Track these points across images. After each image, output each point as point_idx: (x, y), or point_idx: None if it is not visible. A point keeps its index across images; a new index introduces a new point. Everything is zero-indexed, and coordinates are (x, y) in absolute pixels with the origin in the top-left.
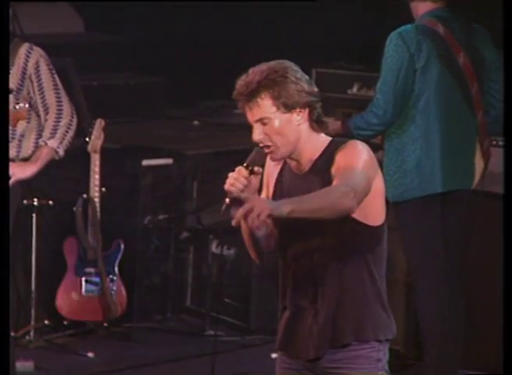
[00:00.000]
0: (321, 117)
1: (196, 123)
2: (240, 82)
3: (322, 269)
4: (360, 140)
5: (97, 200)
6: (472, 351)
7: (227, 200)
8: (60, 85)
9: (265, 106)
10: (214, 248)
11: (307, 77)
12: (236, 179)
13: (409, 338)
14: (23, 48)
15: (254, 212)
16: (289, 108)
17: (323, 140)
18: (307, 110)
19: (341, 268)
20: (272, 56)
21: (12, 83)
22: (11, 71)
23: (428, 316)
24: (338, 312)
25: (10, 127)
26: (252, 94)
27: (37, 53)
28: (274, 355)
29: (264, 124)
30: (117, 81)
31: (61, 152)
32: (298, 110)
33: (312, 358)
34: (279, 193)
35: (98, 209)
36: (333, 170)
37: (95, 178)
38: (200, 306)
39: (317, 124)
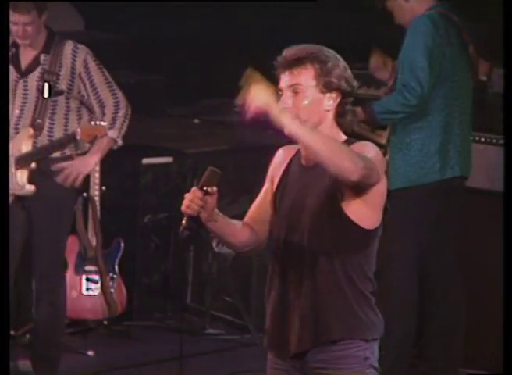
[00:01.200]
0: (348, 112)
1: (196, 121)
2: (289, 49)
3: (310, 264)
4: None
5: (97, 198)
6: (472, 351)
7: (184, 221)
8: (110, 78)
9: (307, 76)
10: (214, 246)
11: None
12: (191, 201)
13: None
14: (68, 47)
15: (257, 97)
16: (327, 88)
17: (339, 138)
18: (339, 99)
19: (329, 265)
20: (273, 55)
21: (63, 83)
22: (60, 72)
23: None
24: (321, 308)
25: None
26: (299, 61)
27: (84, 51)
28: None
29: (295, 94)
30: (117, 79)
31: (119, 142)
32: (333, 95)
33: (295, 353)
34: (284, 184)
35: (98, 208)
36: None
37: (95, 177)
38: (200, 304)
39: (341, 118)
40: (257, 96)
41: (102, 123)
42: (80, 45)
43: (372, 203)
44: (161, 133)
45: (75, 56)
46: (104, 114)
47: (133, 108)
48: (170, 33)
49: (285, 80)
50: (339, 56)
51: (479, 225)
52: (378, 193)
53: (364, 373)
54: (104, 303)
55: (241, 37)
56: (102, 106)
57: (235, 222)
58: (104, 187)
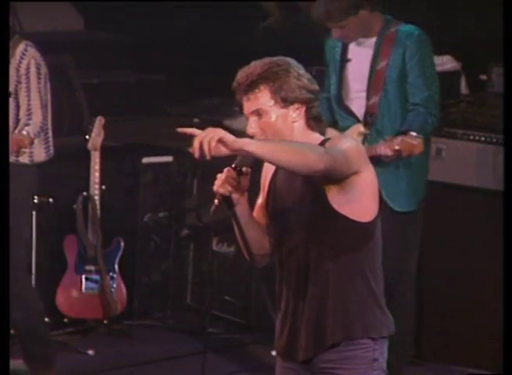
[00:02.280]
0: (319, 116)
1: (196, 120)
2: (241, 73)
3: (313, 268)
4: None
5: (97, 198)
6: (472, 350)
7: (216, 201)
8: (43, 92)
9: (263, 98)
10: (214, 245)
11: (308, 75)
12: (225, 180)
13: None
14: (19, 49)
15: (207, 136)
16: (287, 103)
17: (317, 139)
18: (304, 107)
19: (329, 265)
20: (272, 55)
21: (11, 86)
22: (10, 73)
23: None
24: (325, 312)
25: None
26: (251, 85)
27: (30, 55)
28: (274, 353)
29: (259, 117)
30: (117, 79)
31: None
32: (295, 107)
33: (302, 360)
34: (273, 191)
35: (98, 207)
36: None
37: (95, 176)
38: (200, 304)
39: (314, 122)
40: (206, 136)
41: (24, 133)
42: (29, 48)
43: (360, 194)
44: (160, 133)
45: (22, 59)
46: (28, 124)
47: (132, 107)
48: (170, 33)
49: (245, 107)
50: (291, 65)
51: (479, 224)
52: (364, 183)
53: None
54: (105, 302)
55: (241, 36)
56: (30, 114)
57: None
58: (104, 187)
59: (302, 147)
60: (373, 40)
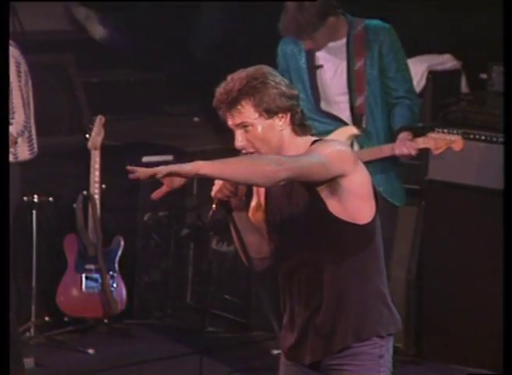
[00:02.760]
0: (303, 121)
1: (196, 119)
2: (220, 90)
3: (315, 274)
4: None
5: (97, 196)
6: (472, 349)
7: (214, 206)
8: (24, 90)
9: (247, 112)
10: (214, 244)
11: (286, 81)
12: (223, 185)
13: (409, 335)
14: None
15: (158, 173)
16: (271, 113)
17: (306, 142)
18: (288, 115)
19: (334, 270)
20: (272, 53)
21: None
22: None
23: None
24: (334, 317)
25: None
26: (233, 102)
27: (10, 53)
28: (275, 352)
29: (246, 131)
30: (117, 78)
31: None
32: (280, 115)
33: (309, 363)
34: (270, 202)
35: (98, 206)
36: None
37: (95, 175)
38: (200, 303)
39: (299, 128)
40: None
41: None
42: (11, 48)
43: (350, 196)
44: (160, 132)
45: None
46: (11, 124)
47: (133, 106)
48: (170, 31)
49: (231, 122)
50: (267, 74)
51: (479, 223)
52: (352, 184)
53: (378, 371)
54: (105, 301)
55: (242, 36)
56: (12, 113)
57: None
58: (104, 186)
59: (256, 160)
60: (341, 42)
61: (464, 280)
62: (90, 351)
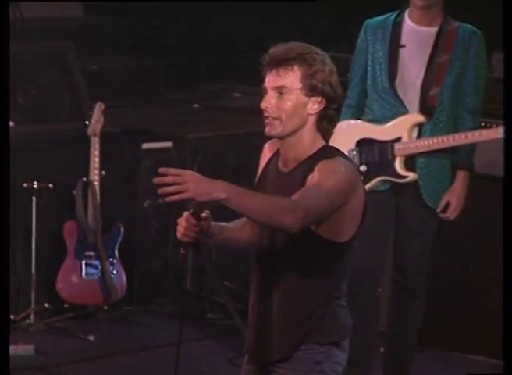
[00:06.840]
0: (332, 120)
1: (196, 106)
2: (278, 47)
3: (280, 275)
4: None
5: (96, 183)
6: (472, 336)
7: (182, 250)
8: None
9: (293, 78)
10: None
11: (337, 78)
12: (187, 228)
13: None
14: None
15: (182, 192)
16: (312, 92)
17: (318, 143)
18: (324, 104)
19: (297, 275)
20: (273, 41)
21: None
22: None
23: None
24: (280, 323)
25: None
26: (287, 61)
27: None
28: None
29: (280, 97)
30: (117, 64)
31: None
32: (318, 99)
33: (268, 361)
34: (262, 186)
35: (98, 193)
36: (309, 179)
37: (95, 161)
38: (200, 290)
39: (325, 124)
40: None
41: None
42: None
43: (341, 219)
44: (160, 119)
45: None
46: None
47: (132, 93)
48: (170, 18)
49: (270, 80)
50: (328, 59)
51: (479, 210)
52: (348, 211)
53: None
54: (105, 288)
55: (241, 24)
56: None
57: (232, 226)
58: (103, 172)
59: (278, 206)
60: (433, 29)
61: (463, 267)
62: (91, 337)
